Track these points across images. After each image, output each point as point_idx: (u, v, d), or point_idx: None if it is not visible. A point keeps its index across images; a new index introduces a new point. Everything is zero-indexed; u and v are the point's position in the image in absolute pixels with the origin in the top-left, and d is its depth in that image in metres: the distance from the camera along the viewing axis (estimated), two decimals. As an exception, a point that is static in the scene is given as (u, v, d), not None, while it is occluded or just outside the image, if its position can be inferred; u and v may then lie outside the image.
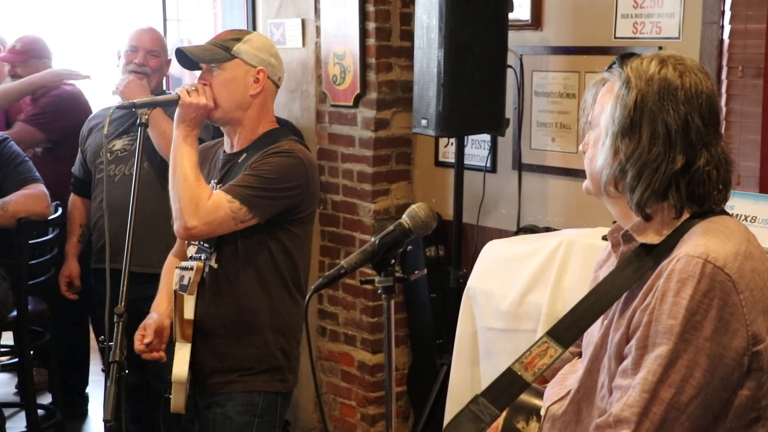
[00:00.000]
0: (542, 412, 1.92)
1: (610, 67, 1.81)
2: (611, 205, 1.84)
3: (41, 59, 4.73)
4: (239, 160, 2.87)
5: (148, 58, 3.91)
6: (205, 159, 3.00)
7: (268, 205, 2.77)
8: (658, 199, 1.72)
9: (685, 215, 1.74)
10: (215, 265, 2.84)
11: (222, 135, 3.02)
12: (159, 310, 2.91)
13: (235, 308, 2.85)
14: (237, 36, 2.91)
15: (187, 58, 2.88)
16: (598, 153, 1.79)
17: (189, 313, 2.82)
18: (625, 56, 1.79)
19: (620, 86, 1.75)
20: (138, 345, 2.82)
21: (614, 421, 1.63)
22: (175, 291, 2.64)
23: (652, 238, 1.74)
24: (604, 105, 1.78)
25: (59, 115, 4.65)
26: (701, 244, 1.65)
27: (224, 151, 2.97)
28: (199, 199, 2.71)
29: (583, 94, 3.05)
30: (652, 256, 1.73)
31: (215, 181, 2.92)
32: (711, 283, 1.60)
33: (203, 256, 2.86)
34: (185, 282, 2.61)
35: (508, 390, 1.80)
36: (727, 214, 1.79)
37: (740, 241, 1.68)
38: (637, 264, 1.74)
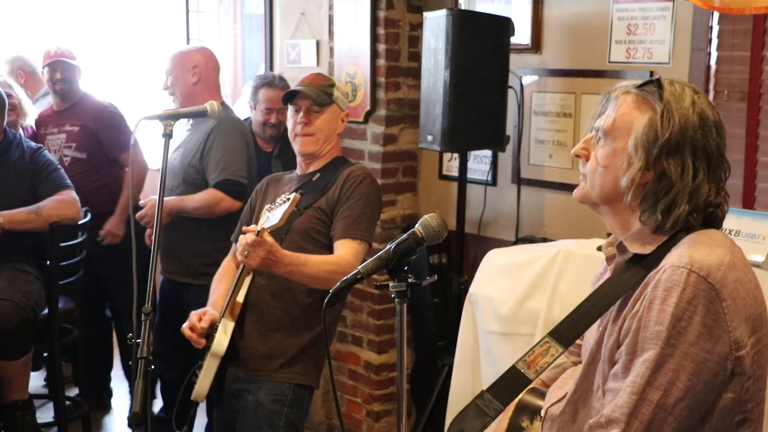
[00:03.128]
0: (542, 413, 1.93)
1: (642, 85, 1.76)
2: (612, 215, 1.81)
3: (77, 64, 4.78)
4: (313, 179, 3.08)
5: (167, 80, 4.08)
6: (272, 183, 3.21)
7: (374, 226, 3.10)
8: (670, 216, 1.71)
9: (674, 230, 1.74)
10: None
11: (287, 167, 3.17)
12: (216, 308, 2.97)
13: (287, 299, 2.92)
14: (332, 82, 3.17)
15: (291, 94, 3.09)
16: (620, 166, 1.74)
17: (241, 295, 2.91)
18: (658, 79, 1.76)
19: (661, 108, 1.71)
20: (194, 320, 2.88)
21: (605, 421, 1.64)
22: (258, 232, 2.63)
23: (644, 248, 1.74)
24: (633, 120, 1.74)
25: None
26: (686, 255, 1.65)
27: (296, 174, 3.16)
28: (338, 268, 2.82)
29: (580, 114, 3.08)
30: (643, 265, 1.73)
31: (288, 193, 3.01)
32: (695, 291, 1.61)
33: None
34: (272, 221, 2.65)
35: (512, 386, 1.81)
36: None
37: (724, 252, 1.69)
38: (630, 273, 1.74)
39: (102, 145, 4.72)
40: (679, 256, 1.66)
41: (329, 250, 2.96)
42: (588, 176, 1.82)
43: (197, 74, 4.02)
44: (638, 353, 1.63)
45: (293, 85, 3.18)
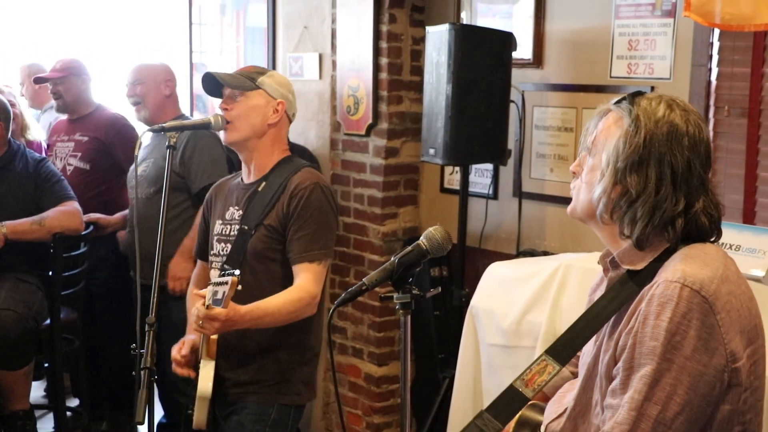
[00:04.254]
0: (542, 429, 1.93)
1: (618, 102, 1.80)
2: (599, 230, 1.84)
3: (80, 76, 4.72)
4: (259, 189, 2.94)
5: (135, 88, 4.13)
6: (219, 193, 3.09)
7: (333, 238, 2.97)
8: (655, 232, 1.73)
9: (665, 245, 1.75)
10: (239, 287, 2.85)
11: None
12: (194, 333, 2.92)
13: (260, 329, 2.84)
14: (261, 70, 3.00)
15: (212, 83, 2.95)
16: (595, 181, 1.79)
17: (215, 335, 2.84)
18: (634, 94, 1.79)
19: (629, 123, 1.74)
20: (175, 354, 2.86)
21: None
22: (207, 306, 2.56)
23: (637, 264, 1.76)
24: (608, 137, 1.77)
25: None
26: (679, 269, 1.66)
27: (242, 180, 3.03)
28: (300, 304, 2.81)
29: (581, 129, 3.11)
30: (636, 281, 1.74)
31: (236, 208, 2.96)
32: (689, 305, 1.62)
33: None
34: (219, 296, 2.55)
35: (511, 405, 1.83)
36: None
37: (717, 266, 1.69)
38: (624, 288, 1.76)
39: (112, 158, 4.63)
40: (672, 270, 1.67)
41: (286, 265, 2.88)
42: (574, 191, 1.87)
43: (170, 88, 4.18)
44: (635, 369, 1.64)
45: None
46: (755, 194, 3.29)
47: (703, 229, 1.74)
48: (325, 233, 2.90)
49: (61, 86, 4.66)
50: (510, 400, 1.82)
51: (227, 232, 2.96)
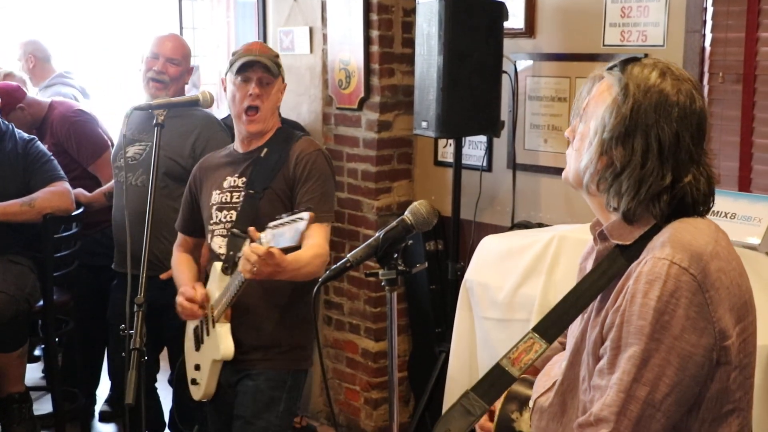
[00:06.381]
0: (531, 404, 1.91)
1: (611, 68, 1.75)
2: (589, 200, 1.81)
3: (15, 104, 4.39)
4: (261, 155, 2.98)
5: (168, 66, 3.76)
6: (206, 167, 3.12)
7: (334, 203, 3.09)
8: (642, 207, 1.69)
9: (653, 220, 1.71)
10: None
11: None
12: (191, 285, 2.99)
13: (272, 288, 2.88)
14: (276, 53, 3.04)
15: (247, 64, 2.93)
16: (583, 149, 1.75)
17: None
18: (627, 61, 1.73)
19: (618, 92, 1.69)
20: (193, 294, 2.90)
21: (594, 420, 1.63)
22: (270, 248, 2.51)
23: (625, 238, 1.72)
24: (598, 105, 1.73)
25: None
26: (668, 245, 1.63)
27: (235, 150, 3.05)
28: (320, 261, 2.85)
29: (574, 98, 3.07)
30: (625, 256, 1.71)
31: (236, 176, 2.99)
32: (677, 284, 1.58)
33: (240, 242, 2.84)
34: (287, 236, 2.44)
35: (497, 384, 1.79)
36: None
37: (707, 241, 1.66)
38: (612, 264, 1.73)
39: (74, 159, 4.46)
40: (660, 246, 1.64)
41: None
42: (567, 158, 1.83)
43: (190, 75, 3.98)
44: (623, 349, 1.62)
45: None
46: (751, 161, 3.27)
47: (690, 205, 1.70)
48: (330, 198, 2.99)
49: (13, 119, 4.34)
50: (496, 379, 1.79)
51: (228, 200, 2.98)
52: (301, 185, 2.92)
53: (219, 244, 2.96)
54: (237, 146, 3.07)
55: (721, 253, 1.67)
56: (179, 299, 2.94)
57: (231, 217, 2.96)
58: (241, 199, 2.95)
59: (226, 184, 3.00)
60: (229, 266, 2.88)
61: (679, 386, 1.59)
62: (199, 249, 3.23)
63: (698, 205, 1.71)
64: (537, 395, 1.89)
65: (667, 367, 1.58)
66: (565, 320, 1.78)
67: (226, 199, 2.99)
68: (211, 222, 3.01)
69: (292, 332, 2.98)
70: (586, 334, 1.75)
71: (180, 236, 3.25)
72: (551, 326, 1.78)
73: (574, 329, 1.84)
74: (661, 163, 1.66)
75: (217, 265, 2.94)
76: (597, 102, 1.74)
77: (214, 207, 3.00)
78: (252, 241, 2.60)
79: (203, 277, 3.09)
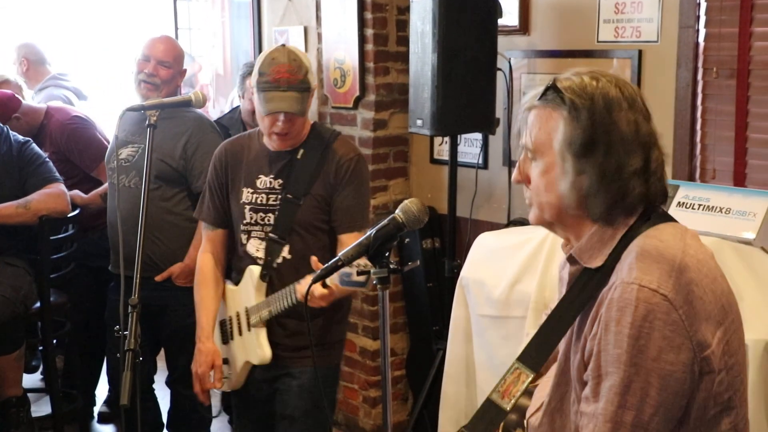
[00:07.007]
0: (525, 422, 1.91)
1: (543, 95, 1.73)
2: (564, 229, 1.78)
3: (11, 114, 4.40)
4: (298, 156, 2.93)
5: (159, 69, 3.75)
6: (235, 156, 3.01)
7: (369, 207, 3.06)
8: (620, 208, 1.68)
9: (624, 228, 1.70)
10: (288, 256, 2.91)
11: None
12: (207, 331, 3.03)
13: None
14: (305, 68, 2.87)
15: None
16: (555, 180, 1.72)
17: None
18: (551, 86, 1.72)
19: (568, 110, 1.68)
20: (209, 382, 3.01)
21: None
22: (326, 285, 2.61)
23: (594, 259, 1.71)
24: (550, 132, 1.71)
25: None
26: (634, 268, 1.62)
27: (265, 147, 2.97)
28: None
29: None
30: (596, 279, 1.70)
31: (271, 177, 2.94)
32: (647, 307, 1.58)
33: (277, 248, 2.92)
34: (350, 278, 2.23)
35: (488, 419, 1.79)
36: (668, 217, 1.75)
37: (674, 254, 1.64)
38: (585, 286, 1.72)
39: (76, 165, 4.46)
40: (628, 269, 1.63)
41: (329, 235, 2.94)
42: (534, 199, 1.79)
43: (182, 77, 3.97)
44: (603, 378, 1.62)
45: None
46: (745, 156, 3.26)
47: (664, 179, 1.71)
48: (366, 206, 3.00)
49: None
50: (488, 414, 1.78)
51: (264, 201, 2.94)
52: (341, 191, 2.90)
53: (256, 247, 2.94)
54: (268, 143, 2.97)
55: (689, 264, 1.65)
56: (199, 357, 3.00)
57: (269, 221, 2.92)
58: (279, 202, 2.91)
59: (260, 184, 2.95)
60: (268, 273, 2.90)
61: (663, 405, 1.60)
62: (226, 246, 3.12)
63: (664, 183, 1.72)
64: (528, 415, 1.89)
65: (649, 388, 1.58)
66: (548, 346, 1.78)
67: (261, 200, 2.94)
68: (245, 222, 2.96)
69: (332, 329, 3.02)
70: (570, 356, 1.75)
71: (206, 232, 3.12)
72: (535, 354, 1.77)
73: (559, 348, 1.83)
74: (626, 153, 1.67)
75: (255, 270, 2.93)
76: (547, 131, 1.72)
77: (248, 207, 2.95)
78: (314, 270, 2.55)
79: (223, 271, 3.11)
